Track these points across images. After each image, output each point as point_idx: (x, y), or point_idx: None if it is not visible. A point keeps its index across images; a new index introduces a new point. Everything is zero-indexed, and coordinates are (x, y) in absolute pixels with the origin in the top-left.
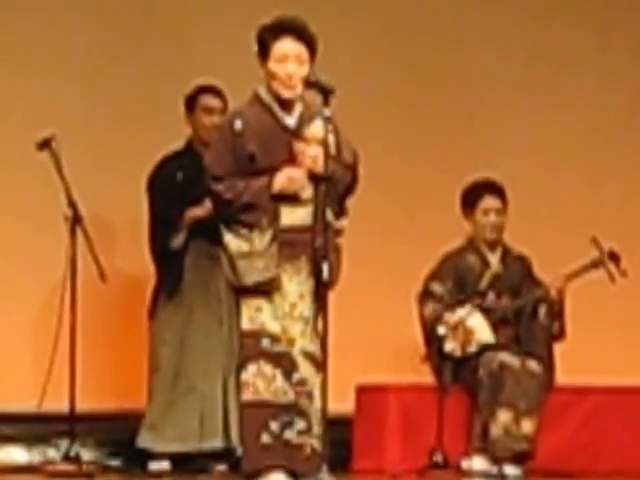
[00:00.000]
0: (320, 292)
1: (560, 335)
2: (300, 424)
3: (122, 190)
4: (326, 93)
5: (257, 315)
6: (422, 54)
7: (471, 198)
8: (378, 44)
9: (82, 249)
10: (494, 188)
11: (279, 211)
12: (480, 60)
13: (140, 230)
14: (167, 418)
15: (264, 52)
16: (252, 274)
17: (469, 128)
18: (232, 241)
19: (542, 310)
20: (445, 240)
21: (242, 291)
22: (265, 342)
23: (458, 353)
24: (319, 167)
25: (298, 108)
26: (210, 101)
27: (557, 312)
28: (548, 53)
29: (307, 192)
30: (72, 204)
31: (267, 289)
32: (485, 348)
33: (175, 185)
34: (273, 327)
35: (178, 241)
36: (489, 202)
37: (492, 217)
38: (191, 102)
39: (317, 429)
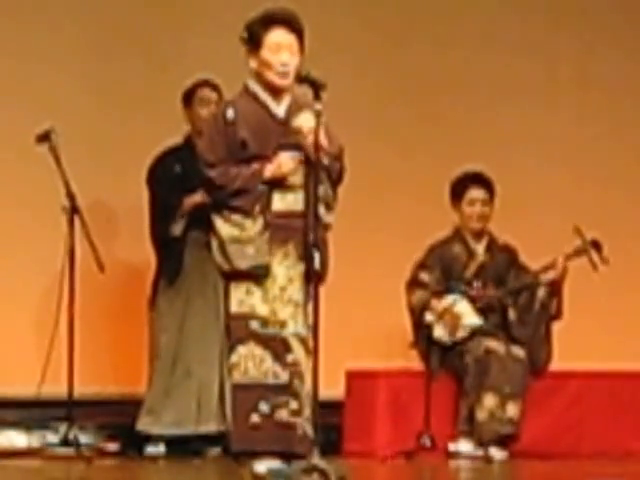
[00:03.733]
0: (311, 279)
1: (558, 315)
2: (293, 404)
3: (121, 181)
4: (317, 88)
5: (246, 298)
6: (412, 48)
7: (458, 189)
8: (369, 39)
9: (83, 240)
10: (481, 179)
11: (271, 198)
12: (470, 55)
13: (139, 220)
14: (165, 403)
15: (255, 43)
16: (243, 259)
17: (458, 121)
18: (223, 227)
19: (541, 291)
20: (433, 230)
21: (231, 276)
22: (254, 325)
23: (446, 339)
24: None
25: (287, 99)
26: (207, 93)
27: (556, 292)
28: (535, 50)
29: (297, 178)
30: (70, 195)
31: (257, 275)
32: (473, 333)
33: (174, 177)
34: (262, 310)
35: (178, 228)
36: (475, 193)
37: (478, 207)
38: (188, 97)
39: (307, 412)
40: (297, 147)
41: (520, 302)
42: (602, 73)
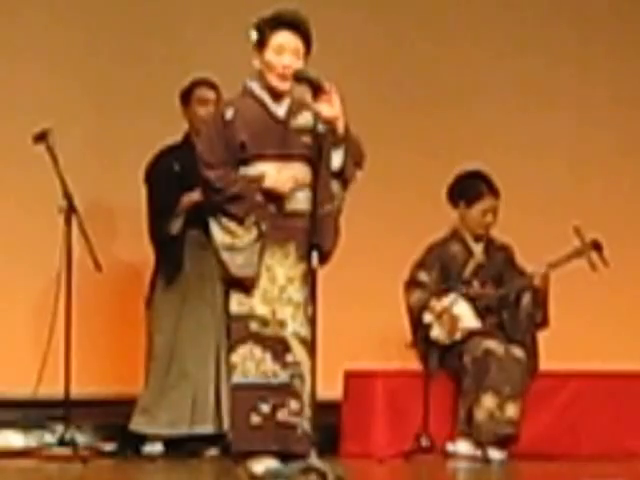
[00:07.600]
0: (310, 278)
1: (543, 323)
2: (293, 405)
3: (120, 181)
4: (315, 87)
5: (246, 298)
6: (413, 48)
7: (471, 193)
8: (370, 38)
9: (80, 239)
10: (493, 188)
11: (268, 210)
12: (470, 54)
13: (138, 220)
14: (160, 403)
15: (261, 42)
16: (232, 267)
17: (458, 120)
18: (218, 233)
19: (526, 298)
20: (433, 230)
21: (226, 282)
22: (254, 325)
23: (444, 340)
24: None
25: (287, 99)
26: (205, 93)
27: (541, 300)
28: (536, 50)
29: (302, 178)
30: (67, 195)
31: (244, 286)
32: (470, 335)
33: (172, 176)
34: (262, 310)
35: (176, 226)
36: (490, 203)
37: (489, 217)
38: (186, 96)
39: (308, 412)
40: (306, 159)
41: (508, 307)
42: (603, 72)
